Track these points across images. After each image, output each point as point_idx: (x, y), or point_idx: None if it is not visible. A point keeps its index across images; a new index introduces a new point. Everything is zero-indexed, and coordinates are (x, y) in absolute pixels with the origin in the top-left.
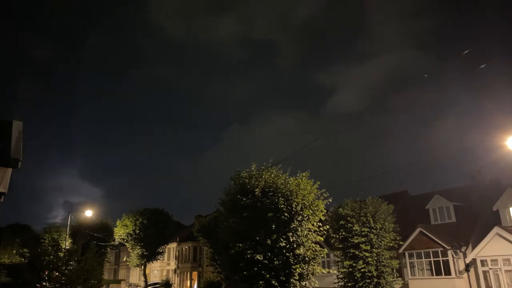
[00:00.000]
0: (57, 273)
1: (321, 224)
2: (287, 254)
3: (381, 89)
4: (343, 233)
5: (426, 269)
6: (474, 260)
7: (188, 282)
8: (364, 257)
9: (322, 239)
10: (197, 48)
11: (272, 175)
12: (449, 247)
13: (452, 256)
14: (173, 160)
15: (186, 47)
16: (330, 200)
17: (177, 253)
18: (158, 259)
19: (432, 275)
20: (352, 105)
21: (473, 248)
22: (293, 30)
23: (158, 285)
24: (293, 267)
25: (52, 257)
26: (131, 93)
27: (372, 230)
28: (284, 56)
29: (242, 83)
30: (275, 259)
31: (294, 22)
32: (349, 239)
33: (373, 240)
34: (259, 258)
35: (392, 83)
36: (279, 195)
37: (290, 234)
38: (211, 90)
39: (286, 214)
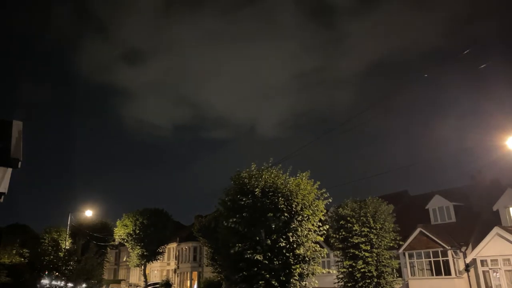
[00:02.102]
0: (57, 273)
1: (321, 224)
2: (287, 254)
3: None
4: (343, 233)
5: (426, 269)
6: (474, 260)
7: (188, 282)
8: (364, 257)
9: (322, 239)
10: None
11: (272, 175)
12: (449, 247)
13: (452, 256)
14: (173, 160)
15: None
16: (330, 200)
17: (177, 253)
18: (158, 259)
19: (432, 275)
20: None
21: (473, 248)
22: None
23: (158, 285)
24: (293, 267)
25: (52, 257)
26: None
27: (372, 230)
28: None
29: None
30: (275, 259)
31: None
32: (349, 239)
33: (373, 240)
34: (259, 258)
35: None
36: (279, 195)
37: (290, 234)
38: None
39: (286, 214)
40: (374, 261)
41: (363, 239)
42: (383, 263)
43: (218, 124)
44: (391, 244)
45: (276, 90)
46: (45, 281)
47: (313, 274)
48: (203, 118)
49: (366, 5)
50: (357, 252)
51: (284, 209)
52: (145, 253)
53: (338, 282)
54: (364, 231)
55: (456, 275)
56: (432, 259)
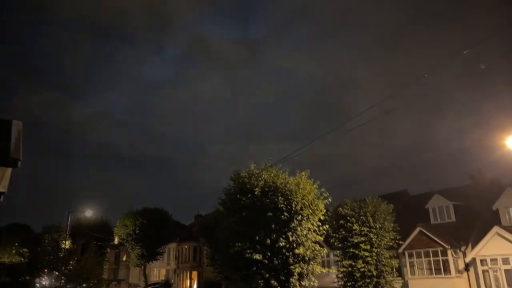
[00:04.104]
0: (57, 273)
1: (320, 224)
2: (286, 253)
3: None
4: (343, 232)
5: (426, 269)
6: (473, 259)
7: (188, 282)
8: (364, 256)
9: (322, 238)
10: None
11: (272, 175)
12: (449, 247)
13: (452, 256)
14: (173, 160)
15: None
16: (330, 200)
17: (177, 253)
18: (158, 259)
19: (432, 274)
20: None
21: (472, 248)
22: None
23: (158, 285)
24: (293, 266)
25: (52, 257)
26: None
27: (372, 229)
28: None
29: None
30: (275, 258)
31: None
32: (349, 238)
33: (373, 239)
34: (258, 257)
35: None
36: (279, 194)
37: (290, 233)
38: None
39: (285, 214)
40: (374, 261)
41: (362, 239)
42: (382, 263)
43: (174, 146)
44: (391, 244)
45: (208, 114)
46: (44, 282)
47: (312, 273)
48: (159, 141)
49: (253, 57)
50: (356, 252)
51: (284, 208)
52: (145, 253)
53: (338, 281)
54: (363, 230)
55: (455, 274)
56: (431, 259)
